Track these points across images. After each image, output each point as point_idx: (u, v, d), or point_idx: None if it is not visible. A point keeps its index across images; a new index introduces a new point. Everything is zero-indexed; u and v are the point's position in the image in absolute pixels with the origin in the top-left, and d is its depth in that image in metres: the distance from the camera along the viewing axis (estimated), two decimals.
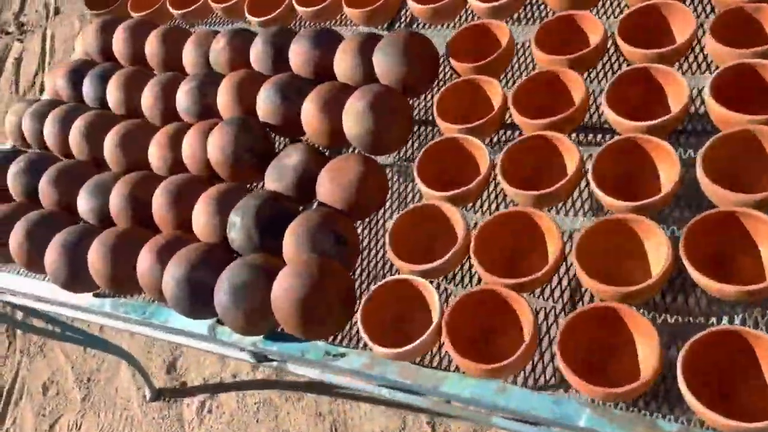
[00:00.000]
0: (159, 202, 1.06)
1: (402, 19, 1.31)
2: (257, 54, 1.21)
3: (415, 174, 0.95)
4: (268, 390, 1.81)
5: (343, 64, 1.11)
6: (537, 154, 0.92)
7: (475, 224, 0.93)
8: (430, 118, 1.14)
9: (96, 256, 1.03)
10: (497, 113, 0.97)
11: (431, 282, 0.85)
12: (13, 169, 1.24)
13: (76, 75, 1.39)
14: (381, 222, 1.03)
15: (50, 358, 2.21)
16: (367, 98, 1.01)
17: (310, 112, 1.06)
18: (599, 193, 0.83)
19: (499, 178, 0.90)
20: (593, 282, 0.75)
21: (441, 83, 1.16)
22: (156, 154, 1.15)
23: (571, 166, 0.89)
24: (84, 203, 1.14)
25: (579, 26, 1.03)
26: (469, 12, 1.24)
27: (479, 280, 0.89)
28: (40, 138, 1.34)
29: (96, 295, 1.13)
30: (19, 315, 1.86)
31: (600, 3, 1.12)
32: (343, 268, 0.89)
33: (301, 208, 1.01)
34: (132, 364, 1.91)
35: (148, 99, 1.24)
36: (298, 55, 1.16)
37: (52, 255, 1.06)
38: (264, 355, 0.98)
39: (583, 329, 0.74)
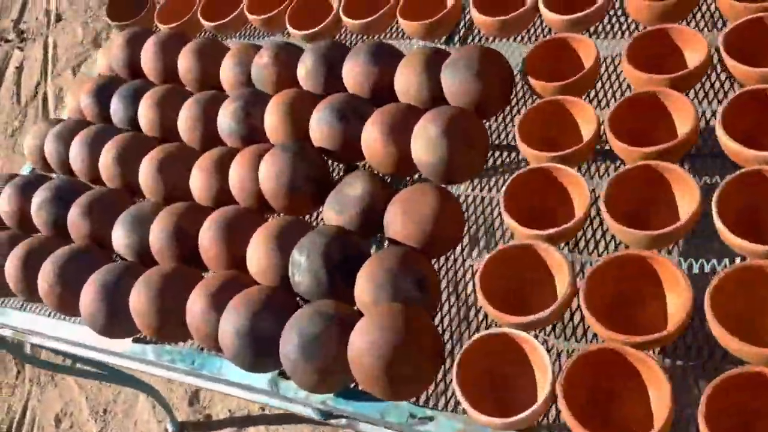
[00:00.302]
0: (208, 238, 0.95)
1: (460, 32, 1.21)
2: (307, 71, 1.11)
3: (503, 208, 0.85)
4: (300, 425, 1.70)
5: (407, 82, 1.01)
6: (644, 185, 0.82)
7: (582, 268, 0.83)
8: (503, 142, 1.04)
9: (139, 299, 0.92)
10: (592, 138, 0.87)
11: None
12: (39, 198, 1.13)
13: (103, 93, 1.28)
14: (459, 261, 0.93)
15: (62, 388, 2.09)
16: (440, 122, 0.91)
17: (373, 136, 0.96)
18: (728, 234, 0.72)
19: (603, 213, 0.80)
20: (745, 346, 0.65)
21: (512, 104, 1.06)
22: (200, 182, 1.05)
23: (686, 200, 0.79)
24: (121, 237, 1.03)
25: (674, 41, 0.93)
26: (536, 25, 1.14)
27: (584, 332, 0.79)
28: (65, 162, 1.23)
29: (136, 341, 1.02)
30: (27, 346, 1.74)
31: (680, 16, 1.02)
32: (430, 318, 0.79)
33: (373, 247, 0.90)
34: (152, 396, 1.80)
35: (186, 120, 1.14)
36: (354, 72, 1.06)
37: (88, 297, 0.95)
38: (331, 412, 0.87)
39: (729, 394, 0.64)
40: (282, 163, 0.97)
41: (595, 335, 0.76)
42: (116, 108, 1.24)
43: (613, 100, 0.99)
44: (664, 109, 0.88)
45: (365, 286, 0.82)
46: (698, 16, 1.01)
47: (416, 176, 1.04)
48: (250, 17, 1.32)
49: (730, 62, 0.86)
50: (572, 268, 0.77)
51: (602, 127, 0.88)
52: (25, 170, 1.41)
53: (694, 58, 0.91)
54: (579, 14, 1.00)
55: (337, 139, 1.01)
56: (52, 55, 3.66)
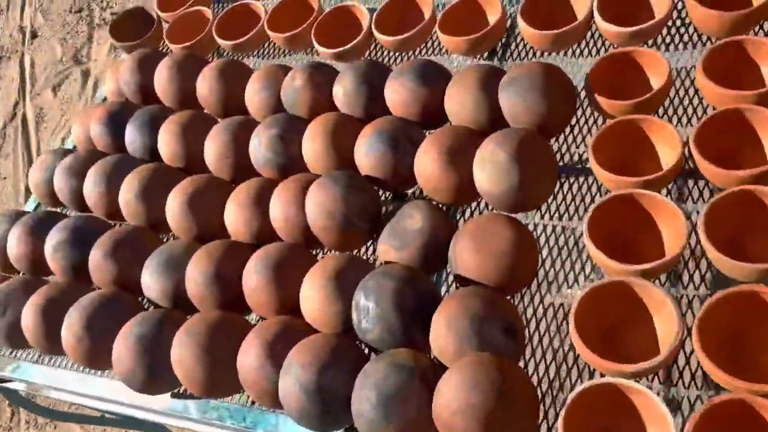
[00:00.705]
0: (255, 280, 0.87)
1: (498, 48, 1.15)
2: (347, 93, 1.03)
3: (587, 238, 0.78)
4: None
5: (460, 103, 0.94)
6: (740, 210, 0.76)
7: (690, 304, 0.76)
8: (566, 163, 0.97)
9: (184, 352, 0.83)
10: (679, 161, 0.80)
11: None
12: (55, 239, 1.03)
13: (116, 120, 1.19)
14: (530, 298, 0.85)
15: (62, 431, 1.96)
16: (510, 146, 0.83)
17: (430, 162, 0.88)
18: None
19: (704, 242, 0.73)
20: None
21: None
22: (237, 217, 0.96)
23: None
24: (152, 282, 0.94)
25: (748, 54, 0.88)
26: (589, 38, 1.07)
27: (704, 377, 0.72)
28: (78, 197, 1.13)
29: (175, 395, 0.92)
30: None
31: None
32: (524, 371, 0.71)
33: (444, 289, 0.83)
34: None
35: (215, 149, 1.05)
36: (400, 93, 0.98)
37: (124, 351, 0.86)
38: None
39: None
40: (334, 196, 0.89)
41: (714, 382, 0.69)
42: (133, 136, 1.14)
43: (684, 116, 0.93)
44: (749, 126, 0.82)
45: (446, 334, 0.74)
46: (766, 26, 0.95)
47: (485, 208, 0.97)
48: (272, 35, 1.24)
49: None
50: (678, 306, 0.70)
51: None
52: (29, 206, 1.31)
53: None
54: (640, 26, 0.94)
55: (388, 167, 0.93)
56: (29, 74, 3.52)
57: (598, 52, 1.06)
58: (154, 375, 0.86)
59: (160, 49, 1.39)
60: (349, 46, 1.15)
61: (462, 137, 0.89)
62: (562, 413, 0.67)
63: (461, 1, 1.11)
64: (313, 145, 0.98)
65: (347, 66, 1.05)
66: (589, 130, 0.97)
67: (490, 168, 0.84)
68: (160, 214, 1.04)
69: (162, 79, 1.21)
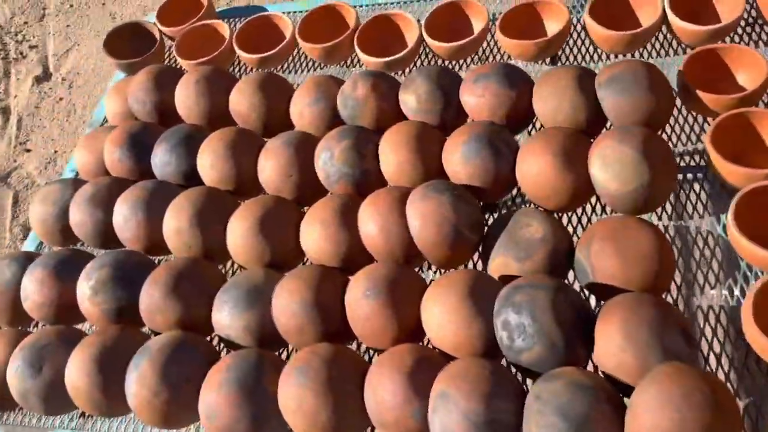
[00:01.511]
0: (368, 307, 0.76)
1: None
2: (420, 100, 0.95)
3: (736, 233, 0.74)
4: None
5: (556, 104, 0.89)
6: None
7: None
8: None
9: (304, 394, 0.70)
10: None
11: None
12: (94, 279, 0.87)
13: (139, 143, 1.04)
14: (679, 304, 0.80)
15: None
16: (636, 143, 0.79)
17: (544, 166, 0.82)
18: None
19: None
20: None
21: None
22: (321, 238, 0.85)
23: None
24: (232, 318, 0.81)
25: None
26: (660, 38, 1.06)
27: None
28: (104, 232, 0.97)
29: None
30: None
31: None
32: (721, 380, 0.65)
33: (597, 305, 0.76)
34: None
35: (276, 167, 0.94)
36: (485, 97, 0.92)
37: (220, 402, 0.72)
38: None
39: None
40: (442, 206, 0.80)
41: None
42: (166, 159, 1.00)
43: None
44: None
45: (624, 347, 0.66)
46: None
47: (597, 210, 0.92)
48: (307, 46, 1.14)
49: None
50: None
51: None
52: (28, 245, 1.12)
53: None
54: (718, 25, 0.94)
55: (490, 174, 0.86)
56: None
57: (658, 54, 1.05)
58: (261, 426, 0.72)
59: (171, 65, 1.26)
60: (400, 55, 1.08)
61: (572, 138, 0.84)
62: None
63: (520, 6, 1.07)
64: (395, 156, 0.89)
65: (416, 72, 0.98)
66: (682, 129, 0.95)
67: (617, 167, 0.79)
68: (217, 242, 0.91)
69: (188, 96, 1.08)
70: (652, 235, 0.75)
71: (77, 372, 0.79)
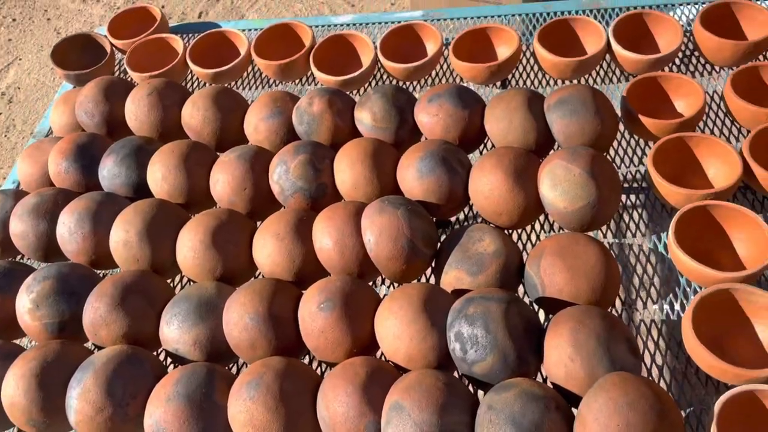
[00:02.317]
0: (322, 320, 0.76)
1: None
2: (376, 117, 0.96)
3: (676, 249, 0.78)
4: None
5: (507, 125, 0.92)
6: None
7: None
8: None
9: (254, 408, 0.69)
10: (740, 175, 0.83)
11: None
12: (35, 293, 0.83)
13: (87, 154, 1.02)
14: (623, 317, 0.83)
15: None
16: (584, 163, 0.82)
17: (496, 184, 0.84)
18: None
19: None
20: None
21: None
22: (275, 251, 0.84)
23: None
24: (181, 332, 0.79)
25: (764, 81, 0.95)
26: (604, 67, 1.11)
27: None
28: (46, 244, 0.94)
29: None
30: None
31: None
32: (663, 389, 0.68)
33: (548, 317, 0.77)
34: None
35: (229, 180, 0.93)
36: (439, 116, 0.94)
37: (168, 417, 0.70)
38: None
39: None
40: (397, 222, 0.81)
41: None
42: (115, 171, 0.98)
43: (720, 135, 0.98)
44: None
45: (573, 357, 0.68)
46: None
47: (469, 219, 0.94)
48: (263, 62, 1.15)
49: None
50: None
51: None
52: None
53: None
54: (659, 54, 0.99)
55: (444, 191, 0.87)
56: None
57: (602, 81, 1.10)
58: None
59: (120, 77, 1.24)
60: (356, 74, 1.09)
61: (523, 157, 0.87)
62: (714, 427, 0.63)
63: (472, 30, 1.11)
64: (351, 172, 0.90)
65: (372, 90, 0.99)
66: (625, 152, 0.99)
67: (566, 186, 0.82)
68: (166, 255, 0.89)
69: (139, 109, 1.06)
70: (599, 252, 0.77)
71: (14, 388, 0.75)
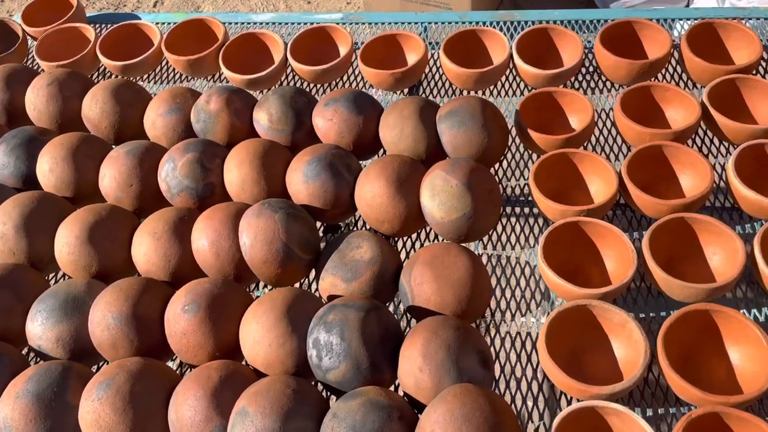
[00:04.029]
0: (185, 322, 0.75)
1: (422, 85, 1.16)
2: (272, 118, 0.96)
3: (543, 265, 0.79)
4: None
5: (399, 133, 0.92)
6: (675, 236, 0.81)
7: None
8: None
9: (101, 410, 0.68)
10: (616, 192, 0.85)
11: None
12: None
13: None
14: (491, 329, 0.84)
15: None
16: (462, 175, 0.83)
17: (378, 192, 0.84)
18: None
19: (651, 265, 0.77)
20: None
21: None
22: (151, 250, 0.83)
23: (725, 249, 0.79)
24: (44, 329, 0.77)
25: (655, 100, 0.97)
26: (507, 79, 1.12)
27: (653, 396, 0.74)
28: None
29: None
30: None
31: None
32: (505, 401, 0.68)
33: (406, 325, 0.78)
34: None
35: (116, 176, 0.92)
36: (333, 121, 0.94)
37: (15, 415, 0.69)
38: None
39: None
40: (274, 224, 0.81)
41: (676, 398, 0.71)
42: (3, 161, 0.96)
43: (602, 152, 1.00)
44: (666, 160, 0.90)
45: (423, 367, 0.68)
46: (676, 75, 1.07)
47: (430, 237, 0.94)
48: (172, 57, 1.13)
49: (718, 118, 0.91)
50: (640, 326, 0.72)
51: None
52: None
53: (681, 113, 0.95)
54: (559, 69, 1.01)
55: (329, 196, 0.87)
56: None
57: (506, 93, 1.11)
58: None
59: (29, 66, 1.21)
60: (264, 73, 1.09)
61: (407, 166, 0.87)
62: None
63: (380, 36, 1.11)
64: (238, 172, 0.89)
65: (272, 91, 0.99)
66: (517, 165, 1.00)
67: (443, 196, 0.82)
68: (45, 250, 0.87)
69: (38, 98, 1.04)
70: (468, 263, 0.78)
71: None
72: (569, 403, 0.74)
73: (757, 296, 0.79)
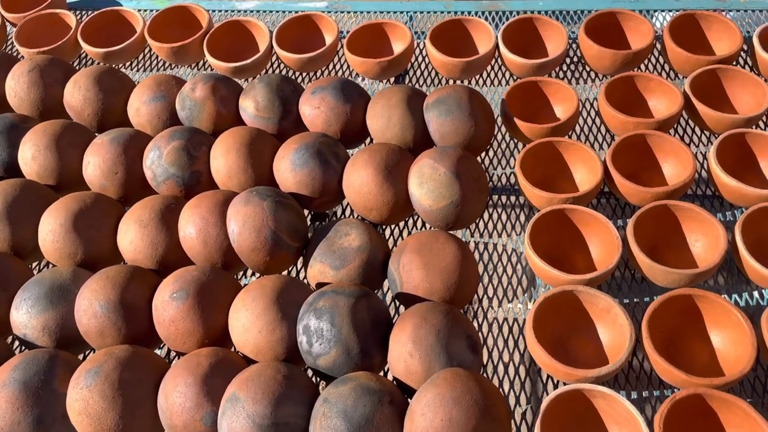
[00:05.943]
0: (174, 309, 0.75)
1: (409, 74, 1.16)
2: (259, 106, 0.96)
3: (530, 252, 0.80)
4: None
5: (387, 121, 0.92)
6: (658, 223, 0.83)
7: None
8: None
9: (90, 397, 0.68)
10: (600, 180, 0.86)
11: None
12: None
13: None
14: (479, 315, 0.84)
15: None
16: (450, 163, 0.83)
17: (366, 180, 0.85)
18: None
19: (635, 252, 0.78)
20: None
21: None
22: (138, 238, 0.83)
23: (707, 235, 0.81)
24: (30, 317, 0.77)
25: (638, 90, 0.98)
26: (492, 68, 1.13)
27: (637, 379, 0.76)
28: None
29: None
30: None
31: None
32: (495, 385, 0.69)
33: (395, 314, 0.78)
34: None
35: (100, 163, 0.91)
36: (320, 109, 0.94)
37: (2, 404, 0.68)
38: None
39: None
40: (262, 212, 0.81)
41: (660, 381, 0.72)
42: None
43: (587, 141, 1.01)
44: (649, 150, 0.91)
45: (413, 353, 0.69)
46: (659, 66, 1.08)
47: (417, 224, 0.95)
48: (156, 45, 1.12)
49: (700, 107, 0.92)
50: (625, 311, 0.73)
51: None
52: None
53: (663, 103, 0.96)
54: (544, 59, 1.02)
55: (317, 184, 0.87)
56: None
57: (492, 83, 1.12)
58: (46, 429, 0.69)
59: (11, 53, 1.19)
60: (249, 61, 1.08)
61: (396, 154, 0.87)
62: (538, 423, 0.66)
63: (366, 25, 1.11)
64: (225, 160, 0.89)
65: (258, 79, 0.98)
66: (503, 154, 1.01)
67: (431, 184, 0.83)
68: (28, 238, 0.86)
69: (19, 85, 1.03)
70: (456, 250, 0.79)
71: None
72: (556, 386, 0.75)
73: (737, 282, 0.80)
